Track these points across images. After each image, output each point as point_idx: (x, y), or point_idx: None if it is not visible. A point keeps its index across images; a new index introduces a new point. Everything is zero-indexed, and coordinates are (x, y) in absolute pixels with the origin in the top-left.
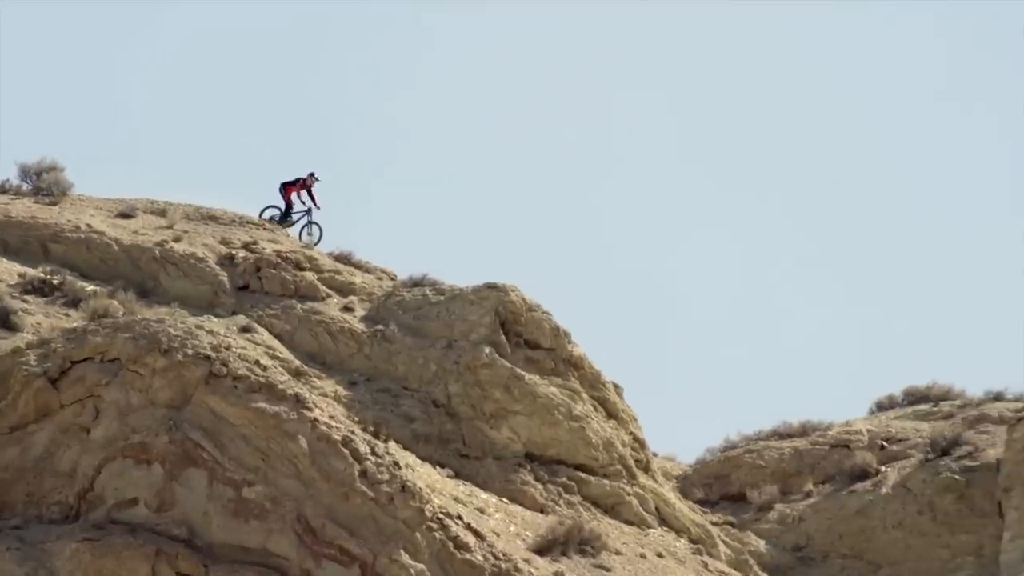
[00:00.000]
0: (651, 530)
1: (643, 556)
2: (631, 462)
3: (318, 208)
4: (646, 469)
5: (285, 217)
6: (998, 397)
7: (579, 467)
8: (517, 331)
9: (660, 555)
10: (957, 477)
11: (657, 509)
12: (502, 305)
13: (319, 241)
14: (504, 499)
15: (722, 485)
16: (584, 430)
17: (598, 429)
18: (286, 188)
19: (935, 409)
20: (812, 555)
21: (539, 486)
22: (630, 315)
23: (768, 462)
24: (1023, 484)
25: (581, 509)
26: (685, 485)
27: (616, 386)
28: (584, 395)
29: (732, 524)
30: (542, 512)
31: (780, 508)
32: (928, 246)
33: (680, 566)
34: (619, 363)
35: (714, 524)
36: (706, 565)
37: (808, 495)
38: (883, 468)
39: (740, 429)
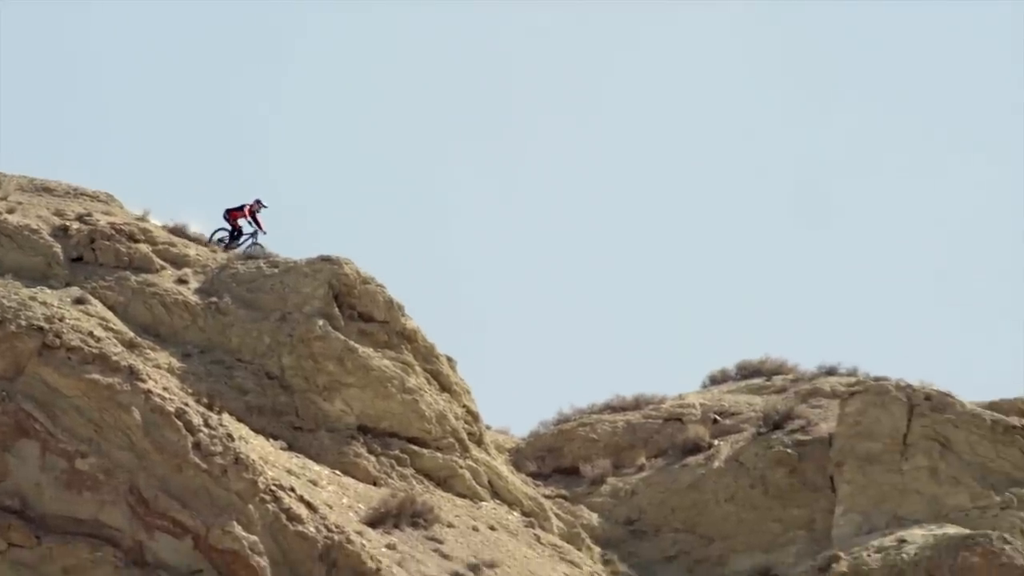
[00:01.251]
0: (484, 503)
1: (476, 529)
2: (464, 435)
3: (264, 232)
4: (479, 442)
5: (233, 239)
6: (831, 372)
7: (412, 440)
8: (351, 304)
9: (493, 528)
10: (789, 451)
11: (490, 482)
12: (336, 278)
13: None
14: (337, 471)
15: (555, 458)
16: (417, 403)
17: (431, 402)
18: (231, 213)
19: (768, 383)
20: (644, 528)
21: (372, 459)
22: (464, 289)
23: (601, 435)
24: (855, 458)
25: (414, 482)
26: (518, 458)
27: (450, 359)
28: (417, 368)
29: (565, 497)
30: (375, 484)
31: (613, 481)
32: (756, 220)
33: (512, 539)
34: (452, 336)
35: (547, 497)
36: (538, 538)
37: (641, 469)
38: (716, 442)
39: (573, 402)
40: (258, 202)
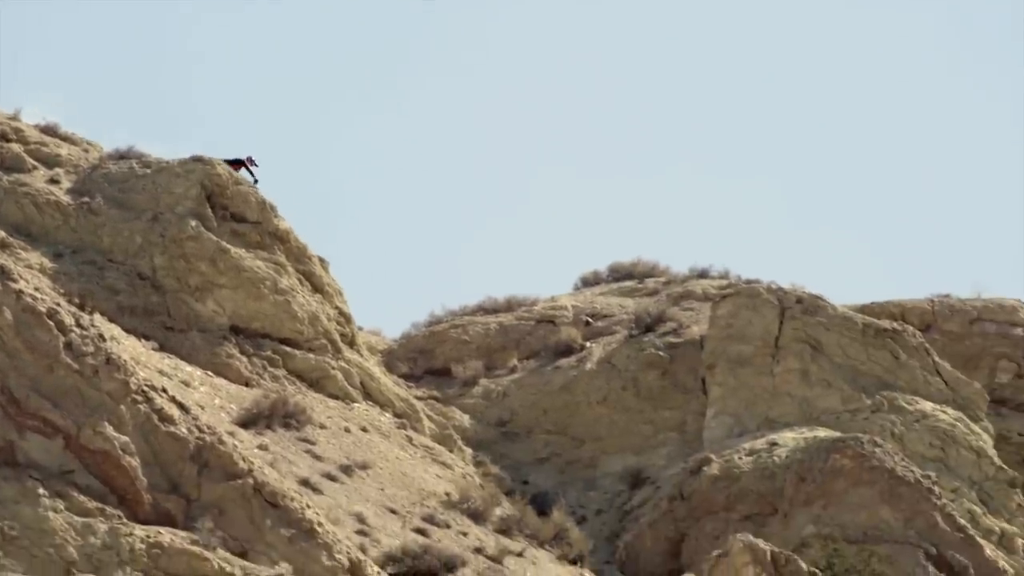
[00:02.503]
0: (356, 404)
1: (347, 430)
2: (336, 336)
3: (256, 180)
4: (351, 343)
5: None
6: (703, 274)
7: (284, 341)
8: (223, 204)
9: (364, 429)
10: (661, 353)
11: (362, 383)
12: (208, 178)
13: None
14: (209, 372)
15: (427, 360)
16: (289, 304)
17: (303, 303)
18: (233, 166)
19: (640, 286)
20: (516, 430)
21: (244, 359)
22: (337, 190)
23: (473, 337)
24: (727, 361)
25: (286, 383)
26: (390, 360)
27: (322, 260)
28: (290, 269)
29: (436, 399)
30: (247, 385)
31: (485, 383)
32: (630, 123)
33: (384, 440)
34: (325, 237)
35: (418, 399)
36: (410, 439)
37: (513, 370)
38: (588, 344)
39: (445, 304)
40: (249, 158)
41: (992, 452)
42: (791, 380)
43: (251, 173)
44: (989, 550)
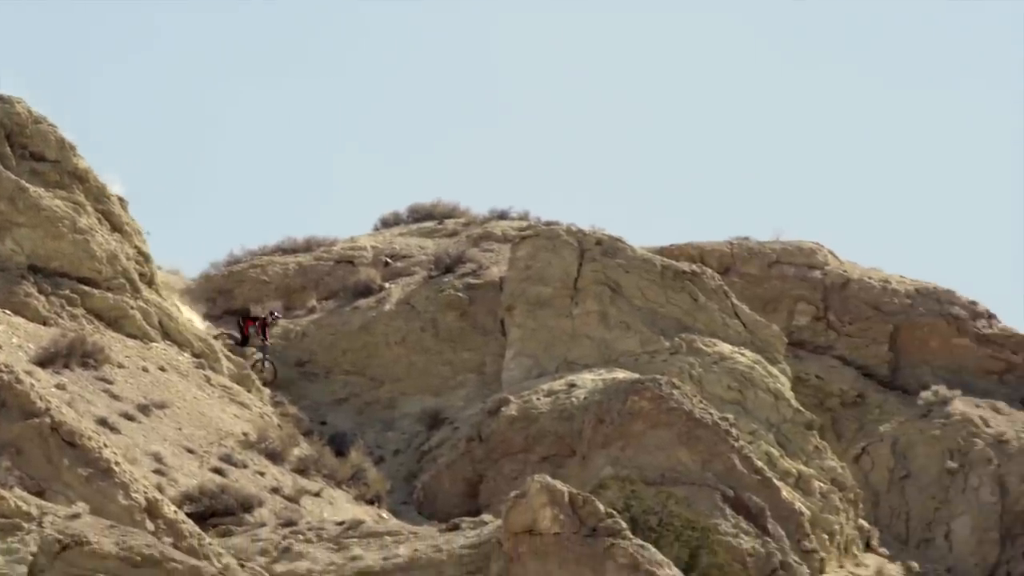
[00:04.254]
0: (154, 344)
1: (145, 370)
2: (135, 276)
3: (267, 343)
4: (150, 283)
5: (238, 345)
6: (502, 216)
7: (83, 280)
8: (22, 143)
9: (163, 369)
10: (460, 295)
11: (160, 323)
12: (7, 116)
13: (275, 377)
14: (7, 311)
15: (226, 300)
16: (88, 243)
17: (102, 242)
18: (245, 320)
19: (440, 226)
20: (315, 371)
21: (42, 298)
22: (136, 128)
23: (272, 277)
24: (526, 302)
25: (84, 322)
26: (189, 300)
27: (121, 199)
28: (89, 208)
29: (234, 338)
30: (45, 324)
31: (284, 323)
32: (433, 61)
33: (183, 380)
34: (124, 177)
35: (217, 338)
36: (208, 379)
37: (312, 311)
38: (387, 285)
39: (244, 244)
40: (272, 314)
41: (790, 395)
42: (590, 322)
43: (264, 336)
44: (786, 492)
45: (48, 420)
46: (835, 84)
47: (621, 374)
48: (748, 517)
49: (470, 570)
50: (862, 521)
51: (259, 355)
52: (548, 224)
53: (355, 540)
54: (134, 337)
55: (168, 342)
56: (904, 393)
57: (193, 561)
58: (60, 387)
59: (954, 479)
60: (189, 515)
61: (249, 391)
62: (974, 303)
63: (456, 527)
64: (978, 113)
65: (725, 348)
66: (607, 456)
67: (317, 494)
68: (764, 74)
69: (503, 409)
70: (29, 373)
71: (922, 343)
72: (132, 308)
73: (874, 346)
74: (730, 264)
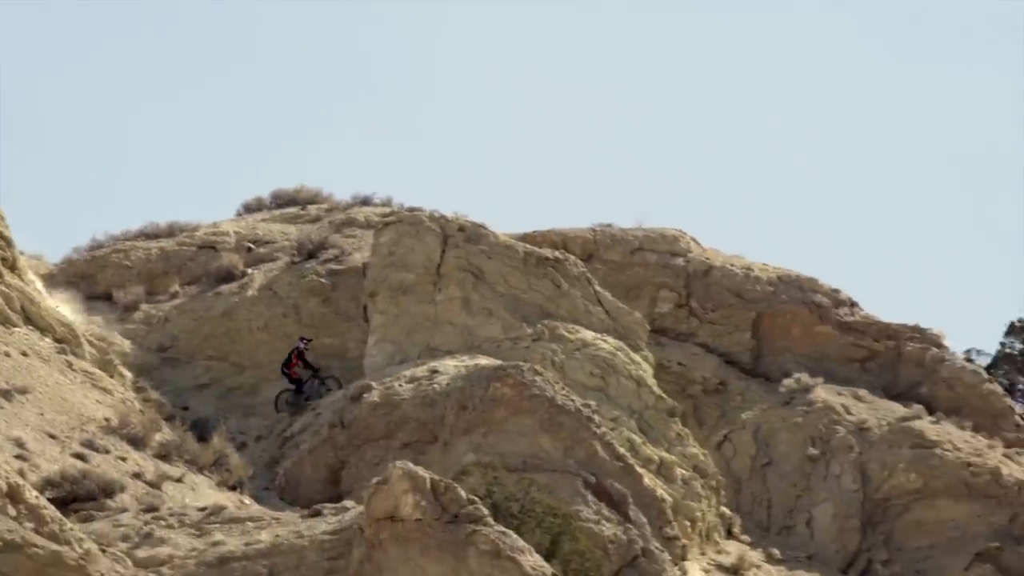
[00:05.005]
0: (16, 329)
1: (7, 355)
2: None
3: (317, 369)
4: (12, 267)
5: (299, 392)
6: (365, 202)
7: None
8: None
9: (24, 354)
10: (323, 280)
11: (23, 308)
12: None
13: (340, 387)
14: None
15: (89, 285)
16: None
17: None
18: (288, 367)
19: (303, 212)
20: (178, 356)
21: None
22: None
23: (135, 262)
24: (388, 288)
25: None
26: (52, 284)
27: None
28: None
29: (98, 324)
30: None
31: (146, 308)
32: (308, 50)
33: (44, 364)
34: None
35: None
36: (71, 364)
37: (174, 296)
38: (250, 270)
39: (107, 229)
40: (303, 340)
41: (652, 382)
42: (453, 308)
43: (308, 364)
44: (648, 479)
45: None
46: (699, 72)
47: (483, 360)
48: (610, 504)
49: (331, 556)
50: (724, 508)
51: (315, 382)
52: (411, 210)
53: (217, 526)
54: None
55: (30, 327)
56: (766, 380)
57: (54, 546)
58: None
59: (816, 466)
60: (51, 500)
61: (111, 376)
62: (836, 291)
63: (318, 513)
64: (836, 102)
65: (588, 335)
66: (469, 442)
67: (179, 480)
68: (624, 60)
69: (365, 395)
70: None
71: (784, 331)
72: None
73: (736, 333)
74: (593, 251)
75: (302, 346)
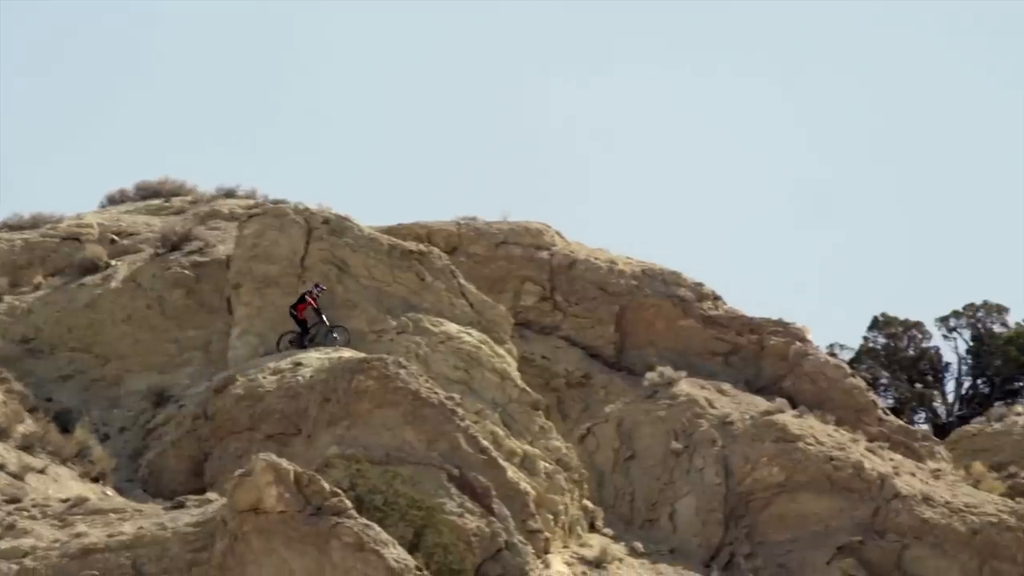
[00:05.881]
0: None
1: None
2: None
3: (324, 320)
4: None
5: (303, 336)
6: (229, 194)
7: None
8: None
9: None
10: (187, 272)
11: None
12: None
13: (348, 341)
14: None
15: None
16: None
17: None
18: (296, 308)
19: (167, 204)
20: (41, 347)
21: None
22: None
23: None
24: (252, 280)
25: None
26: None
27: None
28: None
29: None
30: None
31: (9, 300)
32: (164, 39)
33: None
34: None
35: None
36: None
37: (37, 287)
38: (114, 262)
39: None
40: (318, 286)
41: (516, 375)
42: (318, 300)
43: (318, 312)
44: (511, 472)
45: None
46: (561, 64)
47: (347, 353)
48: (473, 497)
49: (195, 548)
50: (587, 502)
51: (323, 329)
52: (275, 203)
53: (80, 517)
54: None
55: None
56: (630, 374)
57: None
58: None
59: (679, 460)
60: None
61: None
62: (700, 284)
63: (181, 505)
64: (704, 93)
65: (452, 328)
66: (333, 435)
67: (42, 471)
68: (489, 50)
69: (229, 387)
70: None
71: (648, 324)
72: None
73: (600, 327)
74: (457, 244)
75: (315, 291)
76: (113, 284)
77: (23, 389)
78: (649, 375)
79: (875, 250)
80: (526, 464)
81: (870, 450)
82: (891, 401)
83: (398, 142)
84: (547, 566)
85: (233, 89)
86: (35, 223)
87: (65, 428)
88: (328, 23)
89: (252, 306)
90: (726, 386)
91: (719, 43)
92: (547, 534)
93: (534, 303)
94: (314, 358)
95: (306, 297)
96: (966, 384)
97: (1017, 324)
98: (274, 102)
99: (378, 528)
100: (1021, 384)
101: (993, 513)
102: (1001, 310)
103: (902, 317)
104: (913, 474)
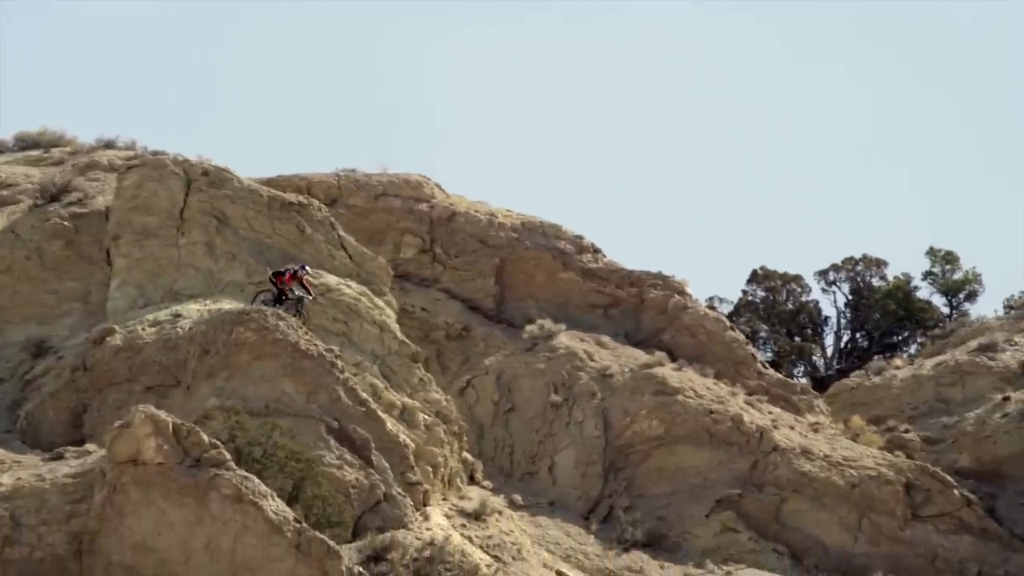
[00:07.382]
0: None
1: None
2: None
3: (311, 297)
4: None
5: (277, 301)
6: (109, 145)
7: None
8: None
9: None
10: (66, 224)
11: None
12: None
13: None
14: None
15: None
16: None
17: None
18: (277, 277)
19: (46, 155)
20: None
21: None
22: None
23: None
24: (132, 232)
25: None
26: None
27: None
28: None
29: None
30: None
31: None
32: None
33: None
34: None
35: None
36: None
37: None
38: None
39: None
40: (304, 268)
41: (395, 327)
42: (196, 252)
43: (305, 288)
44: (390, 424)
45: None
46: (440, 14)
47: (227, 305)
48: (352, 449)
49: (73, 499)
50: (466, 454)
51: (295, 305)
52: (155, 154)
53: None
54: None
55: None
56: (510, 326)
57: None
58: None
59: (558, 412)
60: None
61: None
62: (580, 237)
63: (60, 456)
64: (583, 47)
65: (331, 279)
66: (212, 387)
67: None
68: (382, 10)
69: (108, 339)
70: None
71: (528, 277)
72: None
73: (480, 279)
74: (337, 196)
75: (302, 272)
76: None
77: None
78: (529, 328)
79: (754, 202)
80: (405, 416)
81: (749, 403)
82: (770, 354)
83: (278, 93)
84: (426, 518)
85: (113, 38)
86: None
87: None
88: None
89: (131, 257)
90: (606, 339)
91: None
92: (426, 486)
93: (414, 255)
94: (194, 310)
95: (298, 273)
96: (845, 338)
97: (896, 278)
98: (154, 53)
99: (257, 480)
100: (899, 338)
101: (872, 467)
102: (880, 264)
103: (781, 270)
104: (792, 427)
